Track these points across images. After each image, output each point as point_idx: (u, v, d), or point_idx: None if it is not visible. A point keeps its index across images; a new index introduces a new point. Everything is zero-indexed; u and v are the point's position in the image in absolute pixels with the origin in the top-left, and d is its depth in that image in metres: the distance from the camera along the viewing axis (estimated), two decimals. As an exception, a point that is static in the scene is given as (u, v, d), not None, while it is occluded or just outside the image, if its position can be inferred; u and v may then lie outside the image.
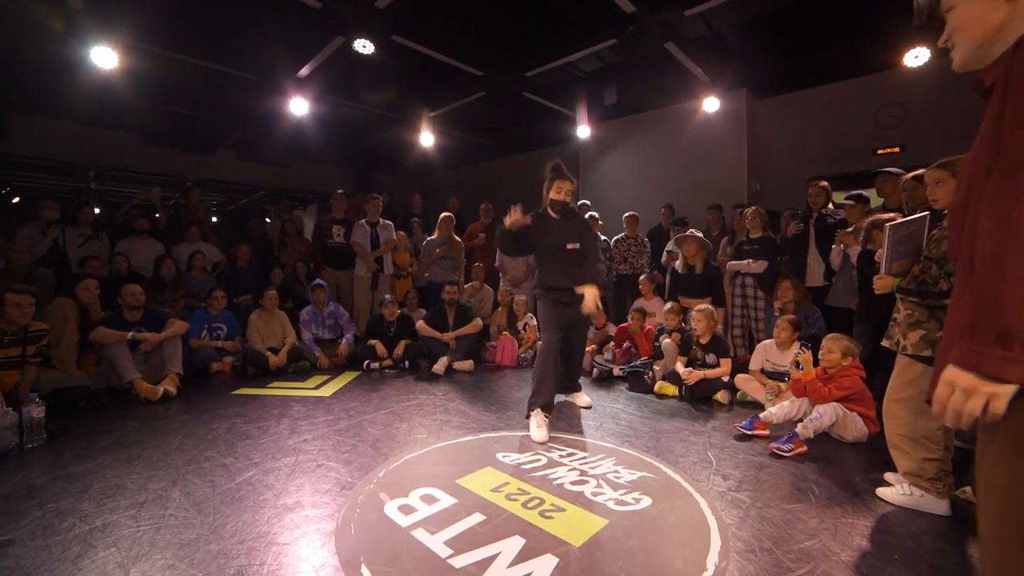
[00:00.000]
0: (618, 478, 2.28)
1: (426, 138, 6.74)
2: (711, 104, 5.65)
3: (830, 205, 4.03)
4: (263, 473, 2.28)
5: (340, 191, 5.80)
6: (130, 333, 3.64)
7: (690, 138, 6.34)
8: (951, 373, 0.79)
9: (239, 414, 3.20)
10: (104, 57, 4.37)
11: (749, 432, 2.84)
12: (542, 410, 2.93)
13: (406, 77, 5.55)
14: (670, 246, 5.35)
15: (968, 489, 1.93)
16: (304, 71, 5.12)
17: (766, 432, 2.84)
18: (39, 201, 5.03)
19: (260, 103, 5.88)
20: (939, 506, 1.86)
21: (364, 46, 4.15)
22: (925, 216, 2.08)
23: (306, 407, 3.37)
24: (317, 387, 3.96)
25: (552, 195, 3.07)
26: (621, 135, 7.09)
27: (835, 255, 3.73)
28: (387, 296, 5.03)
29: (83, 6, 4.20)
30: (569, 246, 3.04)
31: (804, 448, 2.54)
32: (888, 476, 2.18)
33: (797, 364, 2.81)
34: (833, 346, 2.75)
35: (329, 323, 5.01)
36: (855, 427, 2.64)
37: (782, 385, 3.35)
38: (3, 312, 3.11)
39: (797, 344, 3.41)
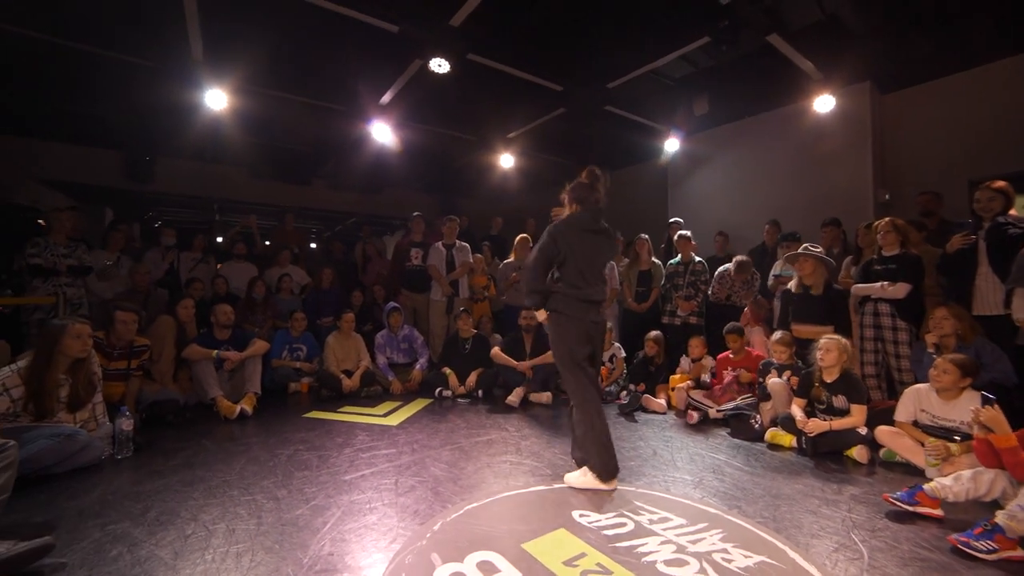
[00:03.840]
0: (728, 561, 1.75)
1: (506, 160, 6.65)
2: (825, 103, 4.89)
3: (1011, 211, 3.14)
4: (312, 513, 2.07)
5: (417, 213, 5.84)
6: (215, 352, 3.78)
7: (798, 145, 5.55)
8: None
9: (304, 440, 3.11)
10: (217, 99, 4.82)
11: (910, 508, 2.12)
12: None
13: (484, 98, 5.49)
14: (777, 268, 4.62)
15: None
16: (386, 98, 5.26)
17: (937, 512, 2.10)
18: (163, 230, 5.70)
19: (348, 132, 6.17)
20: None
21: (440, 65, 4.12)
22: None
23: (371, 436, 3.20)
24: (386, 414, 3.81)
25: None
26: (716, 146, 6.43)
27: None
28: (461, 308, 4.89)
29: (203, 57, 4.66)
30: None
31: (1018, 552, 1.76)
32: None
33: (984, 427, 2.05)
34: (1059, 404, 1.96)
35: (404, 347, 4.93)
36: (1103, 527, 1.81)
37: (952, 447, 2.54)
38: (113, 328, 3.36)
39: (972, 394, 2.60)
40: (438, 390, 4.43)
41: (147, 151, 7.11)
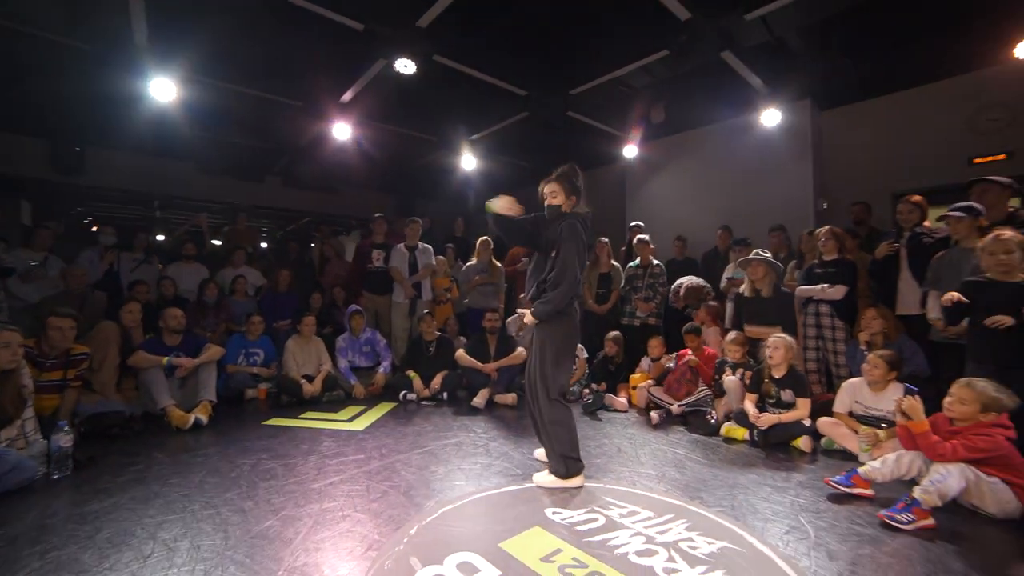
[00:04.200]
0: (694, 548, 1.87)
1: (467, 161, 6.65)
2: (771, 117, 5.24)
3: (926, 223, 3.51)
4: (282, 524, 2.02)
5: (379, 215, 5.74)
6: (165, 359, 3.57)
7: (747, 155, 5.91)
8: None
9: (267, 448, 3.00)
10: (163, 89, 4.52)
11: (847, 490, 2.36)
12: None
13: (447, 99, 5.48)
14: (730, 271, 4.91)
15: None
16: (347, 96, 5.14)
17: (869, 492, 2.35)
18: (101, 227, 5.28)
19: (305, 130, 5.97)
20: None
21: (405, 66, 4.08)
22: None
23: (337, 443, 3.14)
24: (350, 419, 3.74)
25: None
26: (672, 153, 6.74)
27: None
28: (425, 311, 4.85)
29: (148, 43, 4.37)
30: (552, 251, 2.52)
31: (931, 521, 2.02)
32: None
33: (905, 415, 2.31)
34: (968, 395, 2.20)
35: (366, 350, 4.84)
36: (998, 498, 2.08)
37: (880, 433, 2.83)
38: (46, 336, 3.10)
39: (897, 385, 2.90)
40: (403, 393, 4.38)
41: (77, 141, 6.55)
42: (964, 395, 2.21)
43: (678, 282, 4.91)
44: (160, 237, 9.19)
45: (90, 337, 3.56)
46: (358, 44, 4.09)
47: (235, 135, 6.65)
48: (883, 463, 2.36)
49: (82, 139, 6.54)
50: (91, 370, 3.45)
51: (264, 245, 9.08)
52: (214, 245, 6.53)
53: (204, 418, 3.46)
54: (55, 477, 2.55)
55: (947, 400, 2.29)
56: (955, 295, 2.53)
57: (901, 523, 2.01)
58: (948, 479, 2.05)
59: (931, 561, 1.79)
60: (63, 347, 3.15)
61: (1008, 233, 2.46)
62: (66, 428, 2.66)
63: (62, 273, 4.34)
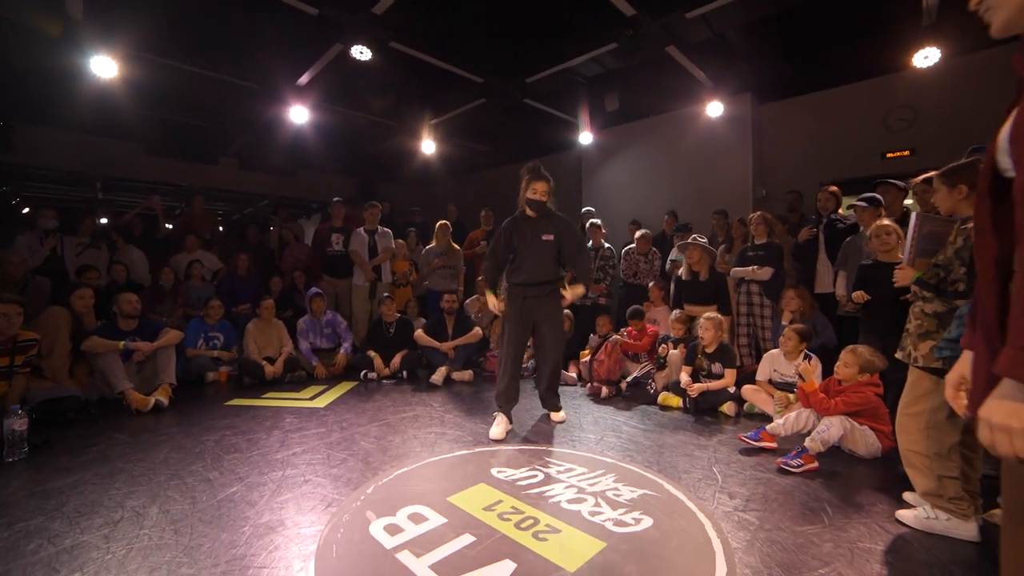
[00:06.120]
0: (618, 496, 2.16)
1: (427, 146, 6.71)
2: (715, 109, 5.57)
3: (840, 210, 3.92)
4: (247, 489, 2.18)
5: (338, 199, 5.76)
6: (122, 343, 3.58)
7: (694, 143, 6.25)
8: (991, 409, 0.70)
9: (230, 426, 3.12)
10: (104, 66, 4.38)
11: (755, 443, 2.72)
12: (500, 412, 3.06)
13: (406, 84, 5.53)
14: (674, 254, 5.25)
15: (998, 512, 1.79)
16: (304, 79, 5.10)
17: (773, 444, 2.71)
18: (38, 210, 5.07)
19: (261, 112, 5.87)
20: (966, 530, 1.72)
21: (361, 52, 4.12)
22: (955, 220, 1.99)
23: (299, 419, 3.28)
24: (312, 398, 3.87)
25: (528, 195, 3.13)
26: (624, 141, 7.03)
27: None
28: (385, 294, 4.98)
29: (83, 16, 4.20)
30: (544, 237, 3.11)
31: (815, 464, 2.41)
32: (908, 496, 2.04)
33: (801, 377, 2.68)
34: (850, 359, 2.59)
35: (327, 332, 4.93)
36: (866, 441, 2.50)
37: (791, 396, 3.22)
38: (-9, 322, 3.06)
39: (804, 354, 3.30)
40: (363, 372, 4.54)
41: (2, 115, 6.15)
42: (848, 360, 2.60)
43: (628, 246, 5.21)
44: (103, 220, 8.78)
45: (39, 323, 3.52)
46: (313, 28, 4.09)
47: (185, 115, 6.45)
48: (785, 420, 2.73)
49: (9, 114, 6.16)
50: (40, 356, 3.42)
51: (220, 229, 8.84)
52: (168, 229, 6.37)
53: (164, 400, 3.51)
54: (9, 460, 2.58)
55: (837, 365, 2.68)
56: (864, 296, 2.90)
57: (792, 467, 2.38)
58: (830, 429, 2.44)
59: (807, 494, 2.16)
60: (9, 333, 3.12)
61: (891, 222, 2.85)
62: (20, 412, 2.69)
63: (-6, 259, 4.19)
